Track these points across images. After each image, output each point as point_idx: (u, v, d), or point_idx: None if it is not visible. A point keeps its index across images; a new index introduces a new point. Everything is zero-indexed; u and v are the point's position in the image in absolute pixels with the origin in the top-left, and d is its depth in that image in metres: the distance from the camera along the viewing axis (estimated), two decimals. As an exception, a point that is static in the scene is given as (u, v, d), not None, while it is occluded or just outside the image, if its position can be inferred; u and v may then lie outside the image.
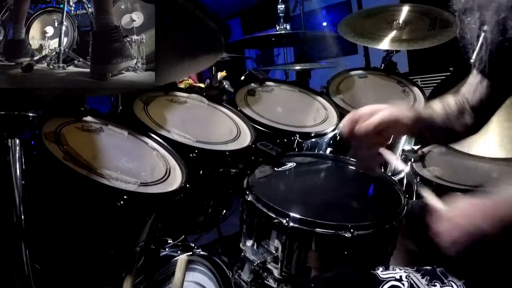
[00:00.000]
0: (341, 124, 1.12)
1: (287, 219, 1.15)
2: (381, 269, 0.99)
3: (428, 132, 1.16)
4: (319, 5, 4.41)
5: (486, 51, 1.09)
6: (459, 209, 0.94)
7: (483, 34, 1.12)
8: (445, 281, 0.94)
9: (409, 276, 0.96)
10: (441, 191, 1.49)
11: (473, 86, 1.15)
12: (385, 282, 0.95)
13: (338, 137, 1.14)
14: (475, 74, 1.16)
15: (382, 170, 1.58)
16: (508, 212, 0.87)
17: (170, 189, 1.20)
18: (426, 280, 0.94)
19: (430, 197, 1.04)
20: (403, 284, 0.94)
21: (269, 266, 1.22)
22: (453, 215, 0.94)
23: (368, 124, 1.06)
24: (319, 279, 1.13)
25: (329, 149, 1.80)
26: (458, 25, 1.12)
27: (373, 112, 1.08)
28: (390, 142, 1.13)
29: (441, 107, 1.17)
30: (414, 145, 1.83)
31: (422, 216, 1.36)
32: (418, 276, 0.96)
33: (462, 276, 0.95)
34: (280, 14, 2.63)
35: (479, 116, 1.16)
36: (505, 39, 1.01)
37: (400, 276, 0.96)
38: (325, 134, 1.75)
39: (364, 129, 1.07)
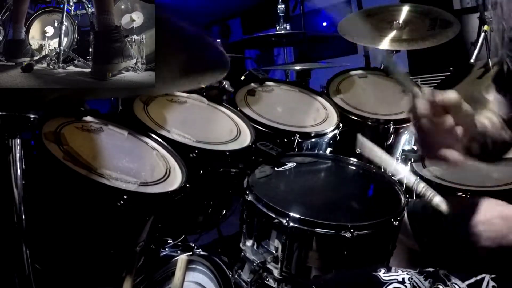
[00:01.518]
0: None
1: (287, 219, 1.15)
2: (383, 270, 0.99)
3: (485, 138, 1.08)
4: (319, 5, 4.41)
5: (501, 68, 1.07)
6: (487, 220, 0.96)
7: (483, 34, 1.11)
8: (448, 283, 0.93)
9: (411, 278, 0.95)
10: (441, 191, 1.49)
11: (501, 104, 1.14)
12: (387, 284, 0.95)
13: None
14: (496, 94, 1.15)
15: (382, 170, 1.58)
16: None
17: (170, 189, 1.20)
18: (428, 283, 0.94)
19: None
20: (405, 287, 0.94)
21: (269, 266, 1.22)
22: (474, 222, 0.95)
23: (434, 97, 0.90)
24: (320, 280, 1.13)
25: (329, 149, 1.80)
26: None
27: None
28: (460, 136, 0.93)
29: (487, 119, 1.13)
30: (414, 145, 1.82)
31: (424, 215, 1.37)
32: (421, 278, 0.96)
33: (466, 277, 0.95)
34: (280, 14, 2.63)
35: None
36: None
37: (403, 278, 0.96)
38: (325, 134, 1.75)
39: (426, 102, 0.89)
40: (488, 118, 1.13)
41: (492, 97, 1.17)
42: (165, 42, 0.72)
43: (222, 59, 0.84)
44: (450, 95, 0.90)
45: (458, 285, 0.93)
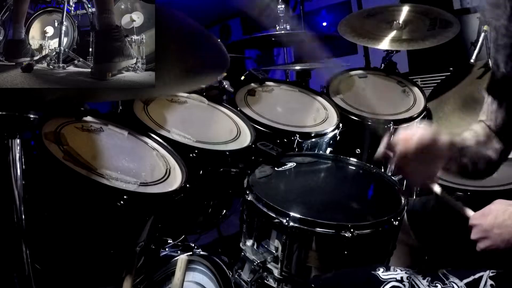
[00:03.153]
0: (379, 150, 1.08)
1: (287, 218, 1.16)
2: (382, 269, 0.99)
3: (462, 158, 1.10)
4: (319, 5, 4.41)
5: (496, 73, 1.07)
6: (493, 219, 0.94)
7: (483, 34, 1.11)
8: (446, 282, 0.94)
9: (410, 277, 0.96)
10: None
11: (493, 113, 1.14)
12: (386, 283, 0.95)
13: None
14: (490, 101, 1.14)
15: (382, 170, 1.58)
16: None
17: (170, 189, 1.20)
18: (427, 281, 0.94)
19: (459, 205, 1.05)
20: (404, 285, 0.94)
21: (269, 266, 1.22)
22: (487, 225, 0.94)
23: (408, 145, 1.02)
24: (319, 280, 1.13)
25: (329, 149, 1.80)
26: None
27: (409, 136, 1.04)
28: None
29: (471, 134, 1.14)
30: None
31: (424, 214, 1.37)
32: (419, 277, 0.96)
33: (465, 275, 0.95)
34: (280, 14, 2.63)
35: (506, 139, 1.14)
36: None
37: (401, 277, 0.96)
38: (325, 134, 1.75)
39: (405, 150, 1.02)
40: (475, 133, 1.14)
41: (485, 107, 1.17)
42: (165, 42, 0.72)
43: (222, 57, 0.84)
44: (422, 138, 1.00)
45: (456, 284, 0.93)
